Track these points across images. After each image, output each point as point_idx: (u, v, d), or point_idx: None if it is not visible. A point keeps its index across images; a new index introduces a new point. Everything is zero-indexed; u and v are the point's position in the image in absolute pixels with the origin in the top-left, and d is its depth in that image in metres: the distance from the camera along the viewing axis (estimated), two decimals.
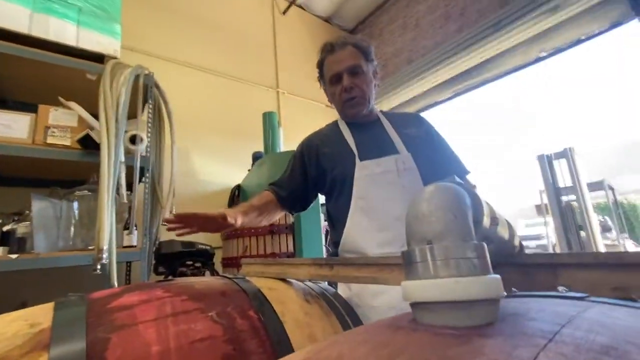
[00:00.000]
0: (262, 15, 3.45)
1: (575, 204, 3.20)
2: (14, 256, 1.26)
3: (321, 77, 1.13)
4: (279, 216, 1.22)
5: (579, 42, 2.29)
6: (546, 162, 3.39)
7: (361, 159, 0.97)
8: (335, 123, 1.15)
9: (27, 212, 1.44)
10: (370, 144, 1.03)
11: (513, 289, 0.36)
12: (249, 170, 2.51)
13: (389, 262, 0.56)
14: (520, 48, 2.68)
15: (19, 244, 1.38)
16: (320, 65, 1.10)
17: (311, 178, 1.06)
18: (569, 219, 3.18)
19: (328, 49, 1.06)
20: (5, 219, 1.50)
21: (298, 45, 3.68)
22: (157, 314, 0.51)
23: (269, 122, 2.42)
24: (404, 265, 0.24)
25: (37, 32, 1.50)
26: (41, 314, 0.47)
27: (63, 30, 1.57)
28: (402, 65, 3.55)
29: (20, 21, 1.47)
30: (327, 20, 4.00)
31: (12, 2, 1.45)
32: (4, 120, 1.38)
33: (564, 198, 3.30)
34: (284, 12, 3.58)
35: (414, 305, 0.22)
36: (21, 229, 1.41)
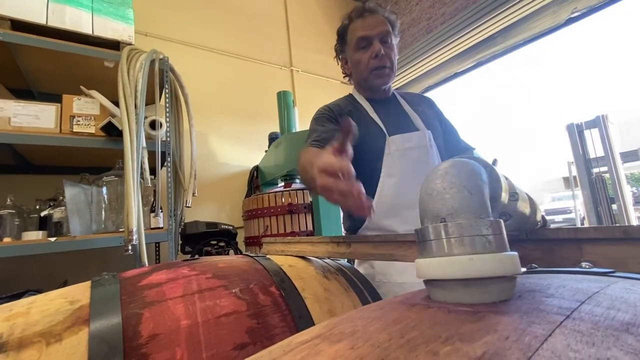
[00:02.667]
0: None
1: (607, 175, 3.05)
2: (52, 239, 1.35)
3: (342, 44, 1.05)
4: None
5: None
6: (576, 132, 3.21)
7: (390, 134, 0.95)
8: (351, 98, 1.08)
9: (61, 198, 1.53)
10: (393, 120, 1.00)
11: (534, 265, 0.35)
12: (265, 151, 2.53)
13: (406, 239, 0.56)
14: (550, 8, 2.48)
15: (56, 228, 1.48)
16: (344, 30, 1.02)
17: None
18: (599, 192, 3.04)
19: (356, 14, 0.98)
20: (42, 204, 1.61)
21: (310, 21, 3.57)
22: (184, 291, 0.54)
23: (284, 102, 2.40)
24: (418, 243, 0.23)
25: (55, 22, 1.53)
26: (79, 292, 0.51)
27: (79, 18, 1.60)
28: (421, 36, 3.39)
29: (37, 12, 1.50)
30: None
31: None
32: (32, 111, 1.44)
33: (595, 169, 3.14)
34: None
35: (428, 282, 0.22)
36: (57, 213, 1.50)
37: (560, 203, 8.45)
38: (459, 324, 0.16)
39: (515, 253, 0.20)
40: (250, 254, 0.78)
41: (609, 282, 0.22)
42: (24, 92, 1.79)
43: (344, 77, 1.11)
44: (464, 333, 0.14)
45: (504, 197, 0.26)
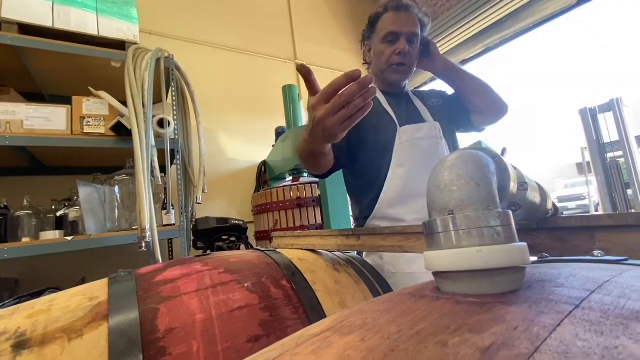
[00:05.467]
0: None
1: (621, 160, 2.97)
2: (69, 238, 1.39)
3: (370, 31, 1.05)
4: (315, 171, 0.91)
5: None
6: (589, 116, 3.13)
7: (401, 125, 0.97)
8: None
9: (76, 198, 1.57)
10: (404, 112, 1.03)
11: (545, 254, 0.35)
12: (273, 145, 2.54)
13: (415, 231, 0.56)
14: None
15: (72, 227, 1.52)
16: (376, 18, 1.03)
17: (350, 145, 0.96)
18: (614, 177, 2.97)
19: (393, 6, 0.99)
20: (57, 205, 1.65)
21: (313, 13, 3.53)
22: (198, 286, 0.55)
23: (289, 96, 2.40)
24: (426, 235, 0.24)
25: (61, 25, 1.55)
26: (97, 289, 0.52)
27: (84, 20, 1.61)
28: None
29: (43, 15, 1.51)
30: None
31: None
32: (43, 114, 1.47)
33: (609, 154, 3.06)
34: None
35: (437, 274, 0.22)
36: (72, 213, 1.54)
37: (573, 190, 8.30)
38: (468, 315, 0.16)
39: (524, 244, 0.20)
40: (261, 249, 0.79)
41: (621, 270, 0.22)
42: (35, 95, 1.83)
43: (363, 64, 1.13)
44: (472, 324, 0.15)
45: (513, 187, 0.25)
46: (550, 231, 0.39)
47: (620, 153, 2.96)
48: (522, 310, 0.16)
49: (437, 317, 0.16)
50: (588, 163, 3.29)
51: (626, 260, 0.26)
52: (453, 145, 1.06)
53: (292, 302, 0.59)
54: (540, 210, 0.35)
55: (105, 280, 0.55)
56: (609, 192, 2.97)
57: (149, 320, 0.48)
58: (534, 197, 0.30)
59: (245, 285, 0.57)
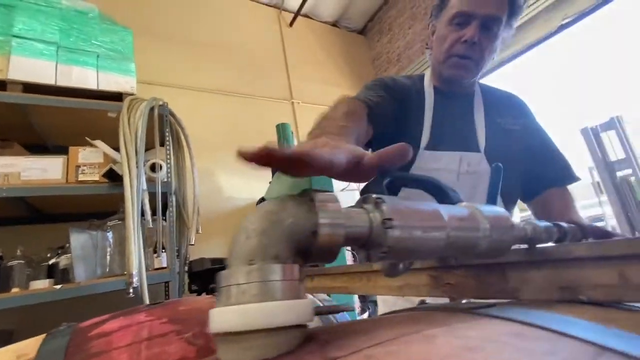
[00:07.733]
0: (270, 31, 3.54)
1: (632, 178, 2.85)
2: (57, 287, 1.40)
3: (439, 9, 0.83)
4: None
5: (605, 1, 2.05)
6: (591, 136, 3.06)
7: (428, 147, 0.77)
8: (420, 80, 0.88)
9: (68, 245, 1.59)
10: (447, 126, 0.81)
11: (424, 300, 0.32)
12: (269, 182, 2.57)
13: (357, 270, 0.54)
14: (542, 17, 2.47)
15: (62, 275, 1.53)
16: None
17: (376, 132, 0.72)
18: (627, 196, 2.83)
19: None
20: (52, 253, 1.67)
21: (308, 54, 3.71)
22: (133, 339, 0.53)
23: (283, 134, 2.46)
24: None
25: (63, 82, 1.67)
26: (30, 346, 0.51)
27: (85, 76, 1.74)
28: (416, 57, 3.43)
29: (47, 74, 1.64)
30: (334, 24, 3.99)
31: (40, 58, 1.63)
32: (40, 165, 1.54)
33: (619, 173, 2.95)
34: (291, 24, 3.64)
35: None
36: (64, 261, 1.56)
37: (590, 211, 7.91)
38: None
39: (303, 300, 0.19)
40: None
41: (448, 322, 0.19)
42: (37, 147, 1.93)
43: (426, 48, 0.93)
44: None
45: (336, 230, 0.23)
46: (468, 269, 0.37)
47: (629, 171, 2.85)
48: None
49: None
50: (598, 183, 3.17)
51: (494, 305, 0.24)
52: (514, 178, 0.78)
53: None
54: (478, 245, 0.29)
55: (43, 336, 0.54)
56: (623, 211, 2.82)
57: None
58: (423, 234, 0.27)
59: (185, 336, 0.55)
